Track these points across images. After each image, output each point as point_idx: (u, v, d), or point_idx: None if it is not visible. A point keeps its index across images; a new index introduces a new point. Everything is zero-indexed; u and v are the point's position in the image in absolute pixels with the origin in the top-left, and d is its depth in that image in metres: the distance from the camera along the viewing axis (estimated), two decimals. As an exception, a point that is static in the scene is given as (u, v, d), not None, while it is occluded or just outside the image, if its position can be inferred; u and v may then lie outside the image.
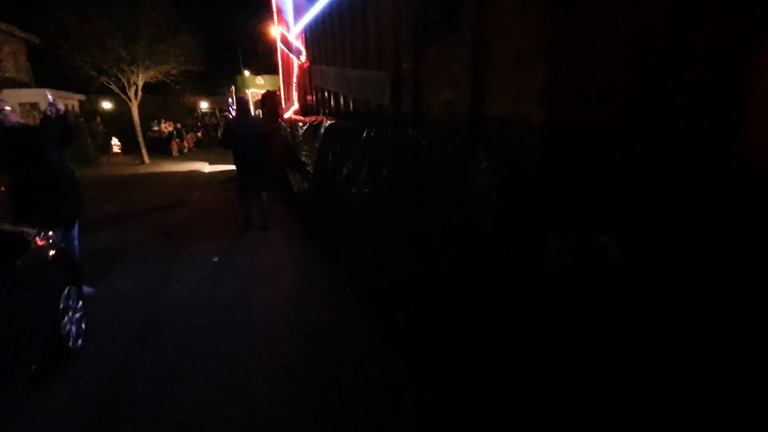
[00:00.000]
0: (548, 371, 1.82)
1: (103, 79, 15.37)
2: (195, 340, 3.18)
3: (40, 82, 16.69)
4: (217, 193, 9.49)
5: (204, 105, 33.73)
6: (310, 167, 5.33)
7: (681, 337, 1.73)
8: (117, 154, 17.93)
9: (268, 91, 10.08)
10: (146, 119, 18.78)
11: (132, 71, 15.23)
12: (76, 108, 17.74)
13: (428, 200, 2.46)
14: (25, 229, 2.80)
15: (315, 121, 5.29)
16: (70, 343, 2.90)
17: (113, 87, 15.80)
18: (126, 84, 15.60)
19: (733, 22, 1.76)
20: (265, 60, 20.96)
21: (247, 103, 6.22)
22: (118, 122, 19.35)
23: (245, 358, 2.94)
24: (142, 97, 16.45)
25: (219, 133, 17.67)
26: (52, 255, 2.93)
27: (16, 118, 3.53)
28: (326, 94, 5.89)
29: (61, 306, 2.83)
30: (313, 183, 5.23)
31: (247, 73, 23.39)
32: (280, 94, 8.95)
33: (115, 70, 14.97)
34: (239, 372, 2.79)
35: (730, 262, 1.76)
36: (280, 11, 7.59)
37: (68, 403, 2.53)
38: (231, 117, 17.45)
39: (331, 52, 5.33)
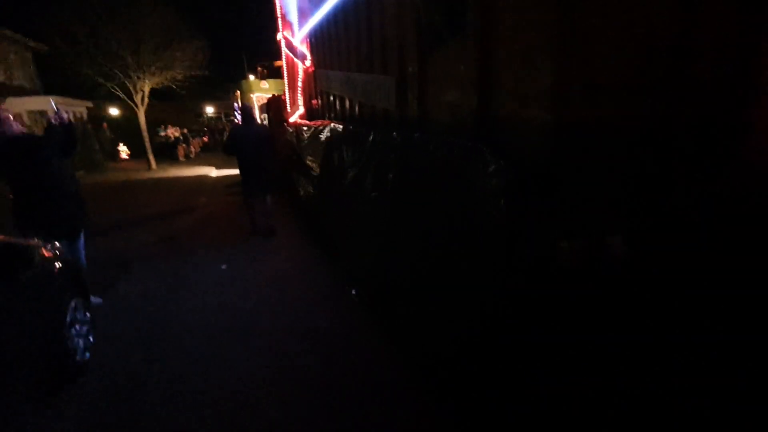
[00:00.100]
0: (551, 371, 1.82)
1: (110, 85, 15.56)
2: (200, 348, 3.16)
3: (48, 90, 16.87)
4: (223, 197, 9.59)
5: (210, 110, 33.98)
6: (316, 171, 5.34)
7: (681, 337, 1.72)
8: (125, 159, 18.11)
9: (273, 95, 10.13)
10: (153, 125, 18.92)
11: (138, 77, 15.41)
12: (84, 115, 17.89)
13: (435, 203, 2.46)
14: (31, 241, 2.74)
15: (320, 125, 5.30)
16: (78, 357, 2.81)
17: (120, 93, 15.98)
18: (132, 90, 15.78)
19: (738, 23, 1.75)
20: (269, 64, 21.04)
21: (251, 110, 6.36)
22: (125, 128, 19.58)
23: (255, 371, 2.87)
24: (149, 102, 16.62)
25: (225, 138, 17.80)
26: (58, 268, 2.85)
27: (17, 127, 3.48)
28: (331, 98, 5.90)
29: (68, 319, 2.76)
30: (319, 187, 5.24)
31: (251, 77, 23.52)
32: (285, 99, 8.99)
33: (121, 76, 15.15)
34: (250, 386, 2.72)
35: (729, 262, 1.74)
36: (284, 16, 7.64)
37: (76, 427, 2.42)
38: (236, 122, 17.56)
39: (335, 57, 5.34)
